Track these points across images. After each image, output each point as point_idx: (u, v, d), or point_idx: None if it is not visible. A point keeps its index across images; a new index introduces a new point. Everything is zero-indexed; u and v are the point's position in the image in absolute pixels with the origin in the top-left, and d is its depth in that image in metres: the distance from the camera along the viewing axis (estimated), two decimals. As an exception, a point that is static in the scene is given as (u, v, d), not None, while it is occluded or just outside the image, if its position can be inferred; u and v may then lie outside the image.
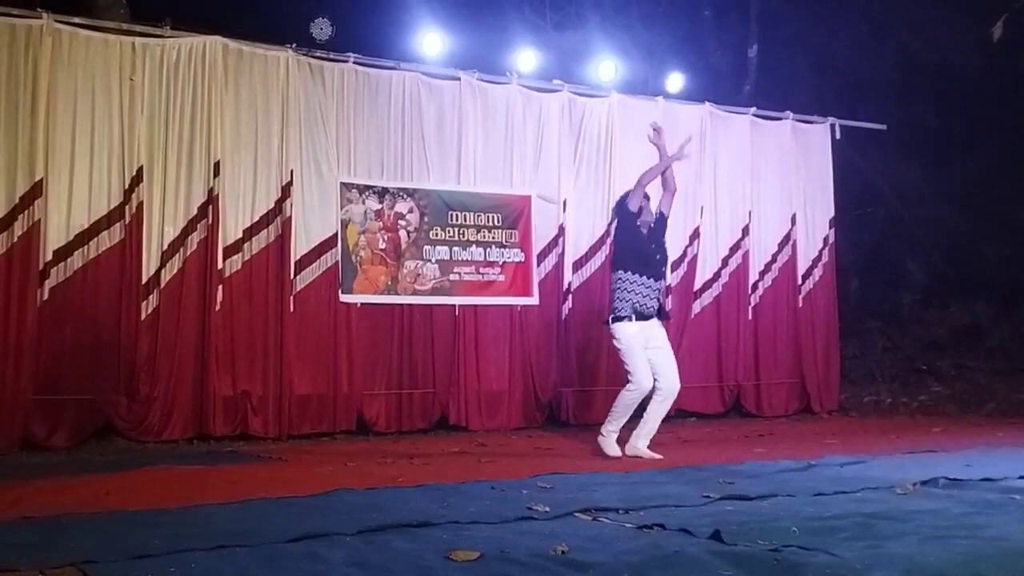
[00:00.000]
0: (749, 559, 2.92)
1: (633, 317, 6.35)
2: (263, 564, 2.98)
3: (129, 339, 7.38)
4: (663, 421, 8.28)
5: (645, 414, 6.52)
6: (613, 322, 6.45)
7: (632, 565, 2.88)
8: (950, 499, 4.21)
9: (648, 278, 6.41)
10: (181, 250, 7.63)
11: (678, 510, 3.97)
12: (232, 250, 7.81)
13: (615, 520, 3.77)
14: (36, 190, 7.10)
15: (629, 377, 6.41)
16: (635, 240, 6.49)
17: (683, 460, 6.00)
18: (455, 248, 8.63)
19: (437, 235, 8.57)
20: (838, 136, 10.66)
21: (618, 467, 5.75)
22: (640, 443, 6.44)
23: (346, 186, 8.25)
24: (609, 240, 8.88)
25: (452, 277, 8.60)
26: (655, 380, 6.41)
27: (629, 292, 6.38)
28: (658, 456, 6.32)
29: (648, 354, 6.40)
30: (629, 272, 6.42)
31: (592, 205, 9.30)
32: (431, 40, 8.86)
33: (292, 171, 8.02)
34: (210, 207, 7.70)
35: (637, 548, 3.18)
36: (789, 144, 10.42)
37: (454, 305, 8.60)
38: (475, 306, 8.70)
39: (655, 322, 6.46)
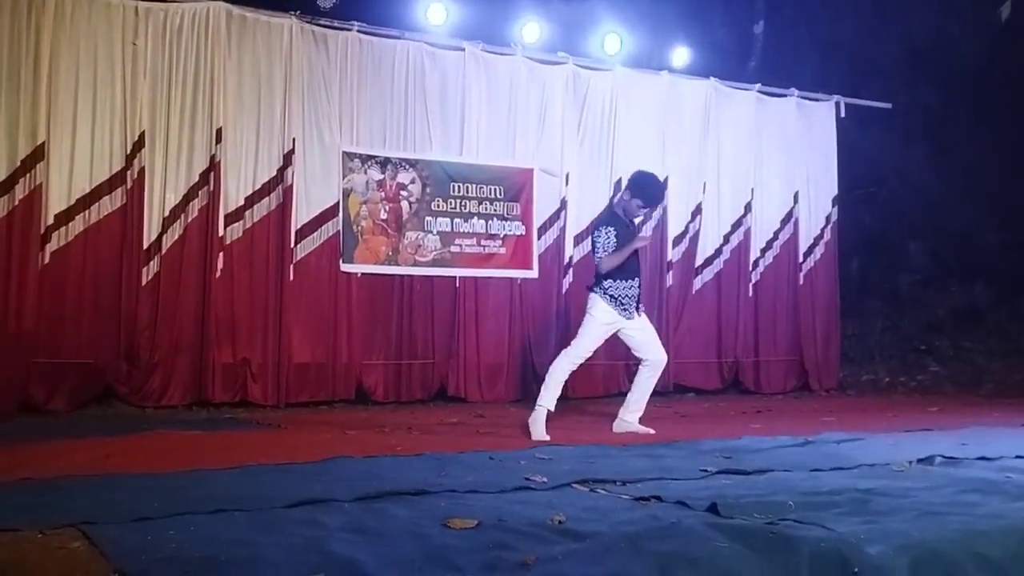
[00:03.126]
0: (745, 532, 2.93)
1: (614, 310, 6.26)
2: (261, 528, 3.00)
3: (130, 304, 7.39)
4: (661, 396, 8.31)
5: (633, 387, 6.50)
6: (594, 290, 6.32)
7: (629, 536, 2.89)
8: (946, 477, 4.22)
9: (629, 280, 6.31)
10: (182, 216, 7.62)
11: (675, 483, 3.99)
12: (233, 217, 7.80)
13: (612, 492, 3.79)
14: (38, 154, 7.09)
15: (573, 341, 6.36)
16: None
17: (681, 434, 6.00)
18: (456, 220, 8.62)
19: (439, 206, 8.56)
20: (843, 114, 10.62)
21: (616, 440, 5.76)
22: (630, 417, 6.41)
23: (348, 155, 8.23)
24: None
25: (453, 249, 8.60)
26: (643, 355, 6.38)
27: (613, 293, 6.28)
28: (650, 431, 6.28)
29: (629, 333, 6.35)
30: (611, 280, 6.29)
31: (595, 179, 9.28)
32: (436, 10, 8.80)
33: (294, 139, 7.99)
34: (212, 174, 7.68)
35: (634, 519, 3.19)
36: (793, 121, 10.39)
37: (454, 277, 8.60)
38: (475, 278, 8.70)
39: (634, 317, 6.34)
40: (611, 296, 6.24)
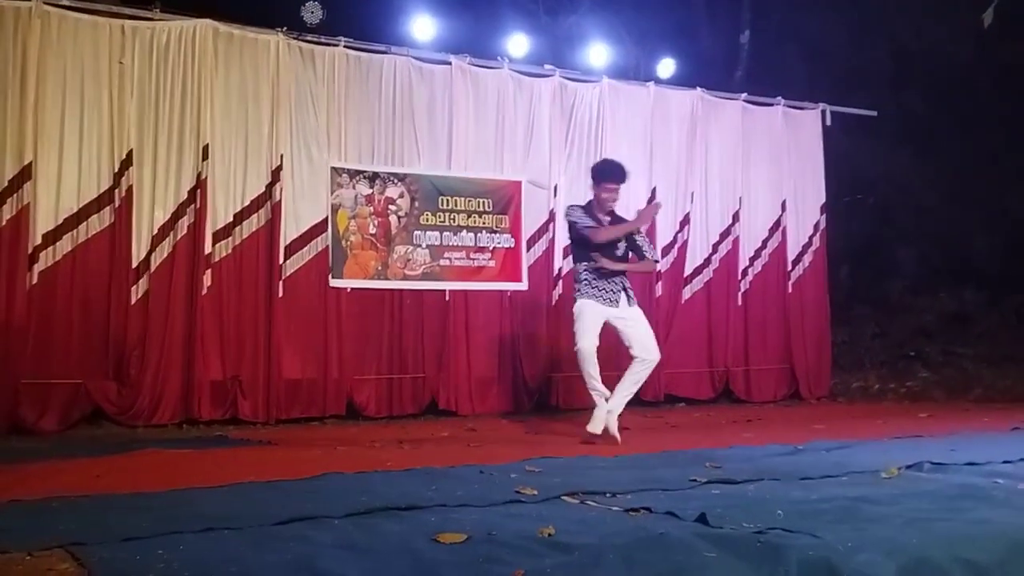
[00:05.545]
0: (734, 541, 2.94)
1: (595, 299, 6.38)
2: (252, 547, 2.99)
3: (118, 323, 7.37)
4: (651, 406, 8.30)
5: (620, 380, 6.48)
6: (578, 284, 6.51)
7: (618, 547, 2.89)
8: (934, 483, 4.23)
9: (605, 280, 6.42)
10: (171, 234, 7.60)
11: (665, 494, 3.99)
12: (221, 235, 7.79)
13: (602, 503, 3.79)
14: (25, 173, 7.08)
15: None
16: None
17: (671, 444, 6.01)
18: (445, 233, 8.63)
19: (427, 220, 8.57)
20: (829, 122, 10.66)
21: (605, 451, 5.77)
22: (608, 414, 6.39)
23: (336, 171, 8.24)
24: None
25: (442, 262, 8.60)
26: (632, 350, 6.41)
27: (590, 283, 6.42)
28: (617, 439, 6.26)
29: (622, 329, 6.43)
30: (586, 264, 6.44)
31: (582, 191, 9.20)
32: (422, 24, 8.86)
33: (282, 156, 7.99)
34: (199, 191, 7.67)
35: (623, 531, 3.20)
36: (780, 130, 10.43)
37: (444, 290, 8.60)
38: (465, 291, 8.70)
39: (623, 305, 6.43)
40: (590, 289, 6.37)
